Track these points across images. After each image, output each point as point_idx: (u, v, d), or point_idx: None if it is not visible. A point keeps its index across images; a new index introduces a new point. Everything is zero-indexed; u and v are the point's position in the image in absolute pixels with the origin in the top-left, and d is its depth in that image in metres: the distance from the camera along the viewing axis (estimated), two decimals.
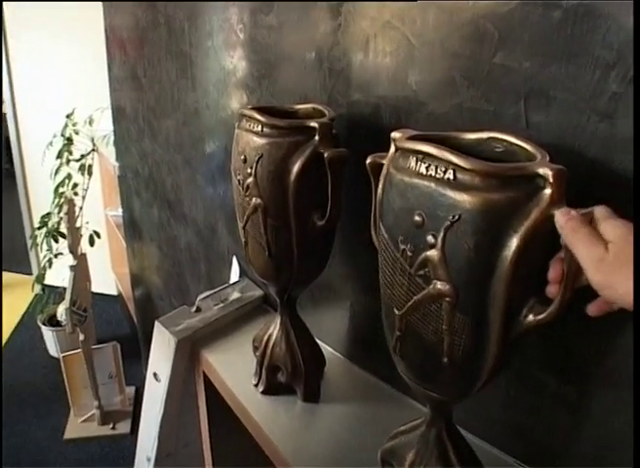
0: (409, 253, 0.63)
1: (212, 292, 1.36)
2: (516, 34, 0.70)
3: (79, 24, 2.98)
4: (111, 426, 2.61)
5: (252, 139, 0.89)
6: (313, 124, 0.86)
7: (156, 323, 1.25)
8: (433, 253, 0.60)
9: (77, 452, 2.52)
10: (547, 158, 0.59)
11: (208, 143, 1.55)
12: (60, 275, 2.95)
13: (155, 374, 1.29)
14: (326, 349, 1.18)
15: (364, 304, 1.11)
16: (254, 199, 0.90)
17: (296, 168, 0.87)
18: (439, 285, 0.61)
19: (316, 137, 0.86)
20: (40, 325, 3.10)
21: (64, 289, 2.40)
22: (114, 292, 3.58)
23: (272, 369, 1.09)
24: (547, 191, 0.56)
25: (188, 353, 1.24)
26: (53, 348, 3.15)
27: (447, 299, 0.61)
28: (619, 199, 0.59)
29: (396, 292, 0.68)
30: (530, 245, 0.57)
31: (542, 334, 0.78)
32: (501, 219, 0.57)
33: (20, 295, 3.68)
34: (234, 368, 1.16)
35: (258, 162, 0.88)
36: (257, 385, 1.11)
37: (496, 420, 0.91)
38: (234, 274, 1.46)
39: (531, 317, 0.61)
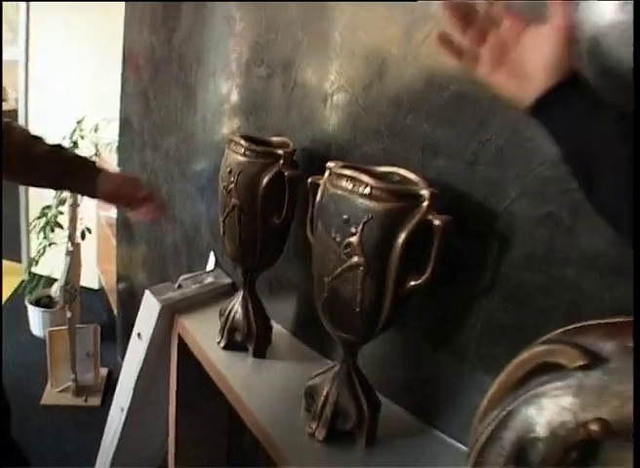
0: (338, 240, 0.99)
1: (192, 274, 1.71)
2: (420, 105, 1.08)
3: (98, 33, 3.25)
4: (84, 399, 2.86)
5: (236, 158, 1.28)
6: (280, 152, 1.27)
7: (146, 291, 1.58)
8: (354, 239, 0.96)
9: (52, 418, 2.78)
10: (426, 184, 0.95)
11: (201, 160, 1.90)
12: (48, 266, 3.26)
13: (139, 334, 1.62)
14: (275, 326, 1.52)
15: (304, 291, 1.46)
16: (233, 199, 1.29)
17: (265, 181, 1.26)
18: (356, 258, 0.97)
19: (281, 161, 1.26)
20: (27, 304, 3.36)
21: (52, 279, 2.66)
22: (96, 287, 3.85)
23: (232, 330, 1.43)
24: (425, 204, 0.92)
25: (168, 318, 1.57)
26: (36, 328, 3.41)
27: (360, 268, 0.97)
28: (475, 217, 0.96)
29: (326, 266, 1.03)
30: (412, 236, 0.93)
31: (421, 305, 1.12)
32: (396, 220, 0.94)
33: (7, 280, 3.92)
34: (203, 331, 1.49)
35: (239, 174, 1.27)
36: (219, 342, 1.45)
37: (390, 378, 1.25)
38: (210, 265, 1.81)
39: (412, 282, 0.97)
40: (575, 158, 0.76)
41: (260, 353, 1.43)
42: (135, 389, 1.68)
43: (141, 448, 1.93)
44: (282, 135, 1.40)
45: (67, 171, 1.40)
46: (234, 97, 1.69)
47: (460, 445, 1.12)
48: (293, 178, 1.26)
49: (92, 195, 1.46)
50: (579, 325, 0.76)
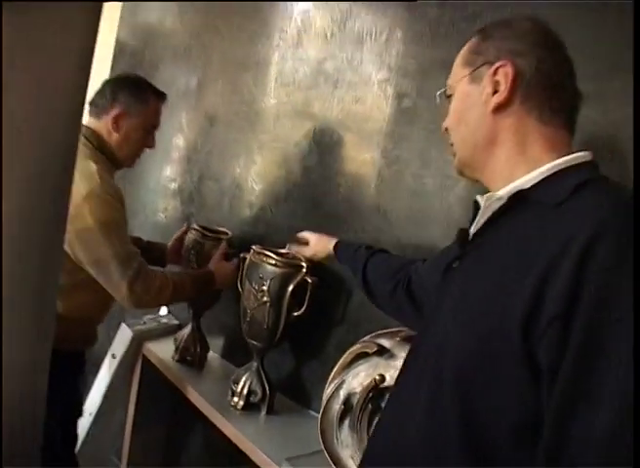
0: (256, 288, 1.81)
1: (152, 316, 2.47)
2: (309, 218, 1.95)
3: None
4: None
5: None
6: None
7: (122, 324, 2.33)
8: (264, 288, 1.79)
9: None
10: (305, 259, 1.79)
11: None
12: None
13: (113, 354, 2.35)
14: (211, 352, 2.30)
15: (230, 326, 2.24)
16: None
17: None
18: (265, 298, 1.79)
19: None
20: None
21: None
22: None
23: (183, 349, 2.18)
24: (304, 270, 1.77)
25: (137, 343, 2.31)
26: None
27: (268, 304, 1.79)
28: (334, 279, 1.80)
29: (249, 303, 1.84)
30: (296, 287, 1.77)
31: (300, 328, 1.93)
32: (288, 278, 1.79)
33: None
34: (162, 351, 2.25)
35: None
36: (173, 358, 2.20)
37: (281, 375, 2.04)
38: (164, 311, 2.58)
39: (295, 313, 1.80)
40: (358, 276, 1.62)
41: (201, 365, 2.21)
42: (103, 397, 2.39)
43: (102, 447, 2.60)
44: (221, 225, 2.21)
45: (198, 289, 1.97)
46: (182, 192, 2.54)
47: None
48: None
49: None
50: (377, 333, 1.60)
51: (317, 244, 1.80)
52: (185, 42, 2.72)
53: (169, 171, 2.74)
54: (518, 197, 0.89)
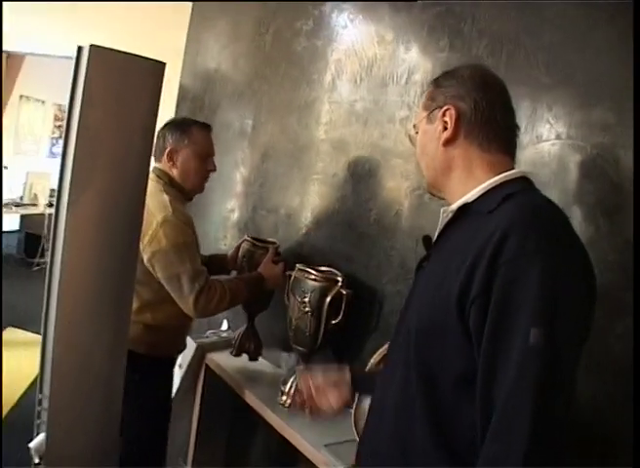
0: (299, 300, 2.10)
1: (214, 331, 2.79)
2: (346, 238, 2.24)
3: None
4: None
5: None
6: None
7: (188, 337, 2.65)
8: (306, 300, 2.08)
9: None
10: (341, 275, 2.08)
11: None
12: None
13: (180, 365, 2.67)
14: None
15: (280, 335, 2.53)
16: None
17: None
18: (307, 309, 2.08)
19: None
20: None
21: None
22: None
23: (239, 345, 2.49)
24: (339, 283, 2.06)
25: (200, 354, 2.63)
26: None
27: (309, 314, 2.08)
28: (366, 290, 2.09)
29: (293, 313, 2.14)
30: (332, 300, 2.06)
31: (338, 335, 2.20)
32: (326, 290, 2.08)
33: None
34: (222, 361, 2.55)
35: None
36: (231, 353, 2.51)
37: None
38: (224, 326, 2.89)
39: (333, 321, 2.08)
40: None
41: (256, 357, 2.53)
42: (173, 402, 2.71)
43: (171, 450, 2.91)
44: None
45: (251, 292, 2.25)
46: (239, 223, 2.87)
47: None
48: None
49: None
50: None
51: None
52: (239, 88, 3.08)
53: (228, 204, 3.09)
54: (463, 209, 1.18)
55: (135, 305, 2.04)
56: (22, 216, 7.73)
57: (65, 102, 1.42)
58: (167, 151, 2.21)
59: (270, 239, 2.53)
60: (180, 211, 2.14)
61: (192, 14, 3.68)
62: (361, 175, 2.27)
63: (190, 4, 3.65)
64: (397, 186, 2.12)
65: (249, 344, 2.52)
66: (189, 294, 2.03)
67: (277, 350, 2.59)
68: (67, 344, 1.54)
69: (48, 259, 1.54)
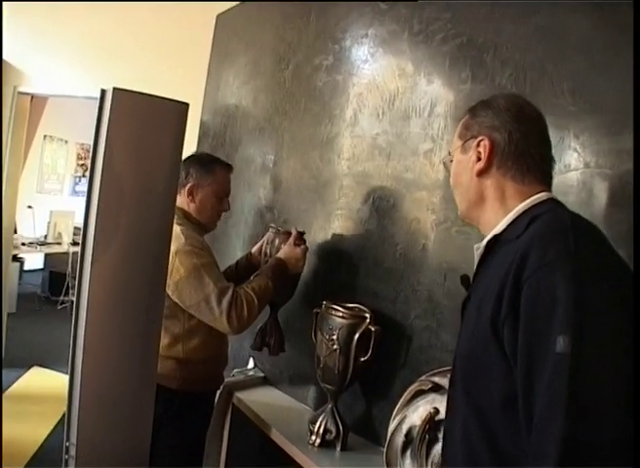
0: (327, 337, 2.07)
1: (241, 369, 2.75)
2: (371, 273, 2.21)
3: None
4: None
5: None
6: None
7: None
8: (334, 337, 2.05)
9: None
10: (369, 311, 2.05)
11: None
12: None
13: None
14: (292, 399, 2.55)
15: (308, 374, 2.49)
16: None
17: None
18: (335, 346, 2.05)
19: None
20: None
21: None
22: None
23: (261, 338, 2.47)
24: (367, 320, 2.02)
25: (227, 393, 2.59)
26: None
27: (337, 351, 2.04)
28: (394, 326, 2.05)
29: (321, 351, 2.10)
30: (361, 336, 2.02)
31: (365, 374, 2.16)
32: (354, 327, 2.05)
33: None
34: (249, 400, 2.51)
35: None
36: (252, 347, 2.50)
37: (354, 415, 2.27)
38: (251, 364, 2.85)
39: (362, 358, 2.04)
40: None
41: (276, 351, 2.48)
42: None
43: None
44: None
45: (276, 280, 2.22)
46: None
47: None
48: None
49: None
50: (431, 372, 1.82)
51: None
52: (260, 124, 3.09)
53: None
54: (494, 241, 1.19)
55: (164, 341, 2.03)
56: (47, 255, 7.80)
57: (88, 141, 1.43)
58: (188, 187, 2.24)
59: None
60: (194, 237, 2.16)
61: (212, 50, 3.71)
62: (385, 210, 2.25)
63: (209, 45, 3.68)
64: (423, 220, 2.09)
65: (270, 338, 2.48)
66: (221, 314, 2.03)
67: (304, 387, 2.55)
68: (94, 386, 1.53)
69: (74, 299, 1.54)
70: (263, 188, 2.98)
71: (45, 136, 8.68)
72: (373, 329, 2.02)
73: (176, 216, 2.16)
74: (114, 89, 1.33)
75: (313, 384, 2.45)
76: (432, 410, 1.75)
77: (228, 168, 2.33)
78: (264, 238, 2.49)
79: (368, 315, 2.05)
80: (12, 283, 6.15)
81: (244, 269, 2.49)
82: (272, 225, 2.51)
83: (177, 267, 2.04)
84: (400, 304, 2.14)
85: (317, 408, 2.34)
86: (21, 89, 4.70)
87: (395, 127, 2.24)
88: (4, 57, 4.56)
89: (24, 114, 4.94)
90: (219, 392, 2.59)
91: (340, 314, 2.06)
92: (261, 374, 2.79)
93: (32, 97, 4.98)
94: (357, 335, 2.03)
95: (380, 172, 2.29)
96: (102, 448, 1.55)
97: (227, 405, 2.61)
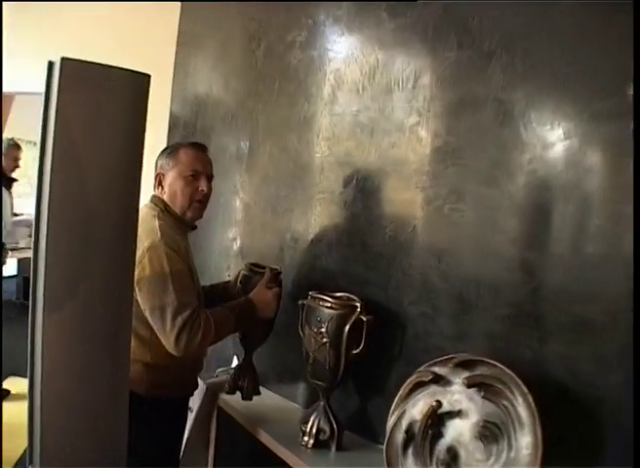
0: (315, 331, 1.92)
1: (224, 368, 2.60)
2: (358, 259, 2.06)
3: None
4: None
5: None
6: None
7: (198, 379, 2.46)
8: (323, 330, 1.90)
9: None
10: (359, 300, 1.90)
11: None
12: None
13: (190, 408, 2.47)
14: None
15: (296, 370, 2.34)
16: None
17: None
18: (325, 339, 1.90)
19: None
20: None
21: None
22: None
23: (232, 382, 2.31)
24: (358, 309, 1.88)
25: (211, 395, 2.44)
26: None
27: (327, 345, 1.90)
28: (387, 314, 1.91)
29: (310, 345, 1.95)
30: (352, 327, 1.87)
31: (358, 366, 2.01)
32: (344, 318, 1.89)
33: None
34: (235, 401, 2.35)
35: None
36: (224, 390, 2.34)
37: (348, 412, 2.12)
38: (234, 363, 2.70)
39: (354, 351, 1.90)
40: None
41: (249, 395, 2.31)
42: (183, 449, 2.51)
43: None
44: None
45: (241, 321, 2.06)
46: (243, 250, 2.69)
47: None
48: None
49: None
50: (431, 362, 1.67)
51: None
52: (232, 109, 2.92)
53: (229, 232, 2.91)
54: None
55: (132, 343, 1.88)
56: (19, 261, 7.55)
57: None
58: (157, 176, 2.10)
59: (273, 266, 2.30)
60: (171, 237, 1.97)
61: (178, 36, 3.52)
62: (371, 191, 2.10)
63: (176, 25, 3.50)
64: (412, 199, 1.95)
65: (243, 381, 2.31)
66: (171, 330, 1.86)
67: (293, 384, 2.41)
68: (57, 398, 1.35)
69: (29, 300, 1.34)
70: (239, 177, 2.82)
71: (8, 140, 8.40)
72: (364, 318, 1.88)
73: (157, 209, 2.04)
74: (62, 58, 1.17)
75: (303, 381, 2.30)
76: (434, 404, 1.61)
77: (195, 146, 2.14)
78: (239, 276, 2.31)
79: (358, 304, 1.90)
80: None
81: (218, 295, 2.30)
82: (246, 264, 2.32)
83: (144, 265, 1.87)
84: (392, 290, 2.00)
85: (308, 406, 2.19)
86: None
87: (377, 102, 2.09)
88: None
89: None
90: (201, 394, 2.43)
91: (329, 304, 1.91)
92: None
93: None
94: (348, 327, 1.88)
95: (363, 150, 2.14)
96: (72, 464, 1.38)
97: (212, 407, 2.45)
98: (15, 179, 5.62)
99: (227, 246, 2.92)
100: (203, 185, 2.09)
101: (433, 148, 1.87)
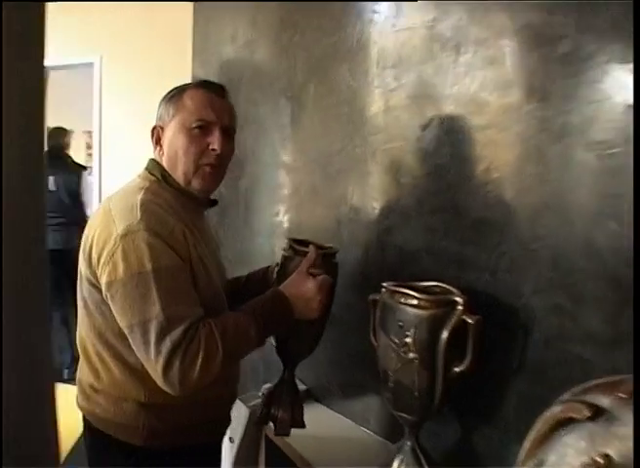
0: (396, 341, 1.29)
1: (269, 385, 2.00)
2: (450, 230, 1.41)
3: None
4: None
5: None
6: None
7: (237, 400, 1.87)
8: (408, 340, 1.26)
9: None
10: (459, 292, 1.26)
11: None
12: None
13: (231, 438, 1.89)
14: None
15: (371, 389, 1.73)
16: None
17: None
18: (411, 355, 1.26)
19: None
20: None
21: None
22: None
23: (265, 409, 1.58)
24: (460, 308, 1.23)
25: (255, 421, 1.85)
26: None
27: (416, 362, 1.26)
28: (499, 312, 1.26)
29: (389, 363, 1.33)
30: (452, 333, 1.22)
31: (463, 387, 1.39)
32: (439, 322, 1.24)
33: None
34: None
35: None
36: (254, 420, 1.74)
37: (447, 451, 1.50)
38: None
39: (457, 369, 1.25)
40: None
41: (285, 429, 1.54)
42: None
43: None
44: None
45: (268, 326, 1.33)
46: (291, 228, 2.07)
47: None
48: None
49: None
50: (584, 386, 1.03)
51: None
52: (263, 50, 2.29)
53: (274, 207, 2.28)
54: None
55: (115, 372, 1.32)
56: None
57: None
58: (155, 133, 1.45)
59: (328, 245, 1.56)
60: (158, 217, 1.28)
61: None
62: (463, 131, 1.45)
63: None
64: (526, 138, 1.30)
65: (277, 409, 1.55)
66: (157, 358, 1.19)
67: (364, 402, 1.81)
68: None
69: None
70: (278, 133, 2.19)
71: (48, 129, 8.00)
72: (470, 320, 1.23)
73: (149, 178, 1.40)
74: None
75: (376, 396, 1.68)
76: (600, 460, 0.97)
77: (206, 86, 1.46)
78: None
79: (459, 299, 1.25)
80: None
81: (255, 287, 1.60)
82: (288, 239, 1.56)
83: (115, 261, 1.22)
84: (505, 274, 1.36)
85: (384, 432, 1.60)
86: None
87: (465, 4, 1.43)
88: None
89: None
90: (244, 421, 1.84)
91: (415, 302, 1.27)
92: (303, 387, 2.03)
93: None
94: (446, 333, 1.24)
95: (446, 75, 1.49)
96: None
97: (258, 439, 1.86)
98: None
99: (271, 223, 2.29)
100: (215, 141, 1.39)
101: (555, 57, 1.24)
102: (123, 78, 4.04)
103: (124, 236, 1.22)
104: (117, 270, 1.21)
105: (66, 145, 5.26)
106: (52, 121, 7.58)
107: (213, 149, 1.38)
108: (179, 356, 1.18)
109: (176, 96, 1.42)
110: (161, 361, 1.18)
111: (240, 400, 1.87)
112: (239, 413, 1.86)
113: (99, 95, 4.05)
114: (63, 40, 3.71)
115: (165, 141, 1.41)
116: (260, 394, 1.93)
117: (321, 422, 1.84)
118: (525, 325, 1.31)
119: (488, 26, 1.38)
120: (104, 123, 4.21)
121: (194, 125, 1.38)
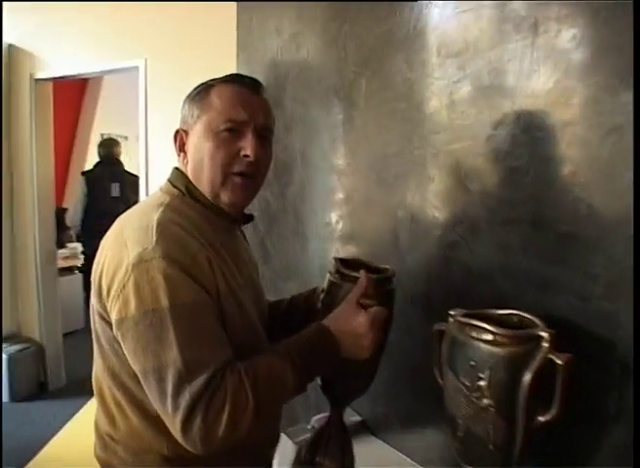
0: (467, 384, 1.07)
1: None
2: (529, 246, 1.17)
3: None
4: None
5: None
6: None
7: (282, 434, 1.67)
8: (482, 383, 1.04)
9: None
10: (544, 324, 1.02)
11: None
12: None
13: None
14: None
15: (438, 434, 1.50)
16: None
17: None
18: (486, 401, 1.04)
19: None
20: None
21: None
22: None
23: (307, 455, 1.37)
24: (545, 345, 0.99)
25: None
26: None
27: (491, 409, 1.03)
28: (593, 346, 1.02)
29: (458, 408, 1.11)
30: (536, 375, 0.99)
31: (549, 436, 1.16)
32: (520, 362, 1.02)
33: None
34: None
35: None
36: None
37: None
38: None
39: (541, 418, 1.02)
40: None
41: None
42: None
43: None
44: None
45: (310, 368, 1.12)
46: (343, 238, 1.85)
47: None
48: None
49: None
50: None
51: None
52: (308, 44, 2.08)
53: (327, 214, 2.05)
54: None
55: (133, 420, 1.12)
56: None
57: None
58: (175, 137, 1.26)
59: (382, 266, 1.33)
60: (179, 241, 1.07)
61: None
62: (544, 128, 1.21)
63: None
64: (623, 134, 1.06)
65: (324, 455, 1.32)
66: (175, 413, 0.99)
67: (425, 438, 1.59)
68: None
69: None
70: (328, 134, 1.97)
71: (102, 136, 7.97)
72: (559, 361, 1.00)
73: (171, 192, 1.20)
74: None
75: (441, 434, 1.45)
76: None
77: (237, 81, 1.23)
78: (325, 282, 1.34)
79: (545, 334, 1.02)
80: (75, 296, 5.43)
81: (297, 312, 1.42)
82: (335, 260, 1.32)
83: (126, 294, 1.02)
84: (598, 301, 1.11)
85: None
86: (40, 75, 3.87)
87: None
88: (16, 43, 3.92)
89: (48, 103, 4.11)
90: (291, 456, 1.63)
91: (490, 337, 1.04)
92: (357, 418, 1.82)
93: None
94: (529, 376, 1.01)
95: (521, 61, 1.25)
96: None
97: None
98: None
99: (322, 234, 2.08)
100: (247, 146, 1.17)
101: None
102: (168, 80, 3.91)
103: (137, 265, 1.02)
104: (128, 306, 1.01)
105: (118, 154, 5.23)
106: (104, 128, 7.62)
107: (245, 155, 1.17)
108: (200, 411, 0.97)
109: (201, 93, 1.22)
110: (179, 416, 0.98)
111: (286, 434, 1.67)
112: (284, 449, 1.65)
113: (144, 99, 3.92)
114: (112, 45, 3.60)
115: (189, 148, 1.21)
116: (310, 426, 1.73)
117: (377, 459, 1.63)
118: (622, 361, 1.07)
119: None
120: (150, 128, 4.07)
121: (222, 127, 1.16)
